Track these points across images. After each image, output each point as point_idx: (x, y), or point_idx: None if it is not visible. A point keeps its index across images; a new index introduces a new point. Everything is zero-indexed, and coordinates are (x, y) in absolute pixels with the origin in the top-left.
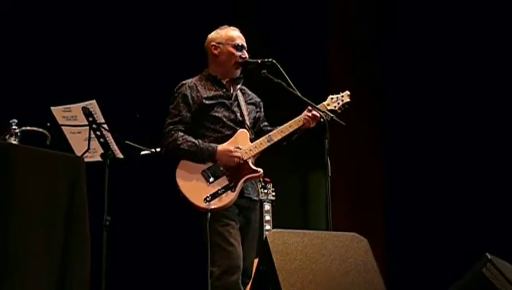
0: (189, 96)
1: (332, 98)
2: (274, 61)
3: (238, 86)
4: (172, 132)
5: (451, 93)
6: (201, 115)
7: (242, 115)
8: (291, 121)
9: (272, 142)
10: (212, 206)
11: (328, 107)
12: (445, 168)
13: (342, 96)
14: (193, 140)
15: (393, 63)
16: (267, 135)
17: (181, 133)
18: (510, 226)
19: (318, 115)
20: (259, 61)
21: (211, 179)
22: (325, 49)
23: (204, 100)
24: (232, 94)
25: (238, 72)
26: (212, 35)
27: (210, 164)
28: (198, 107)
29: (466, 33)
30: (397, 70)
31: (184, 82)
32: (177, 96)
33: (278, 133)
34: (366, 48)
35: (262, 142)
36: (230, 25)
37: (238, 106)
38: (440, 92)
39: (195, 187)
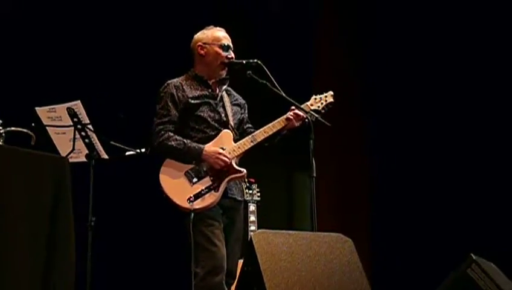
0: (176, 96)
1: (315, 98)
2: (259, 62)
3: (224, 87)
4: (163, 132)
5: (437, 95)
6: (187, 114)
7: (226, 115)
8: (275, 121)
9: (255, 143)
10: (195, 207)
11: (312, 107)
12: (430, 168)
13: (326, 96)
14: (181, 139)
15: (379, 63)
16: (250, 135)
17: (171, 133)
18: (495, 225)
19: (301, 114)
20: (244, 61)
21: (194, 180)
22: (310, 50)
23: (190, 100)
24: (218, 95)
25: (224, 72)
26: (199, 35)
27: (194, 165)
28: (183, 107)
29: (453, 35)
30: (383, 71)
31: (170, 81)
32: (163, 96)
33: (261, 134)
34: (352, 48)
35: (246, 143)
36: (215, 25)
37: (223, 106)
38: (426, 93)
39: (179, 187)
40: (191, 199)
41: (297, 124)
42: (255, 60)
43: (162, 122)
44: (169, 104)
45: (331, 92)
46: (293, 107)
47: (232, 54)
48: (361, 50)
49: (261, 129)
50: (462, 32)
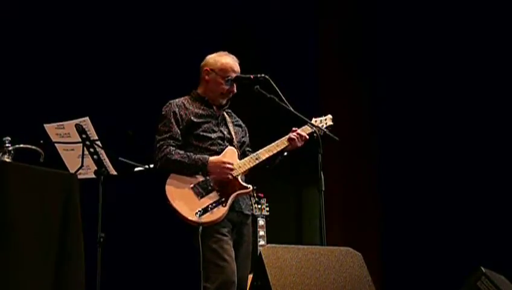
0: (178, 114)
1: (316, 120)
2: (267, 76)
3: (225, 108)
4: (164, 147)
5: (447, 108)
6: (190, 133)
7: (230, 133)
8: (278, 141)
9: (259, 161)
10: (204, 220)
11: (312, 129)
12: (440, 180)
13: (326, 119)
14: (184, 152)
15: (386, 75)
16: (254, 154)
17: (172, 148)
18: (507, 238)
19: (304, 134)
20: (252, 76)
21: (202, 194)
22: (317, 66)
23: (192, 118)
24: (219, 115)
25: (224, 101)
26: (209, 59)
27: (200, 179)
28: (186, 125)
29: (456, 44)
30: (390, 83)
31: (172, 101)
32: (165, 114)
33: (265, 152)
34: (360, 68)
35: (251, 160)
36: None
37: (226, 125)
38: (434, 107)
39: (186, 201)
40: (199, 212)
41: (299, 144)
42: (263, 75)
43: (163, 138)
44: (171, 121)
45: (330, 116)
46: (294, 128)
47: (234, 89)
48: (368, 72)
49: (265, 148)
50: (470, 44)
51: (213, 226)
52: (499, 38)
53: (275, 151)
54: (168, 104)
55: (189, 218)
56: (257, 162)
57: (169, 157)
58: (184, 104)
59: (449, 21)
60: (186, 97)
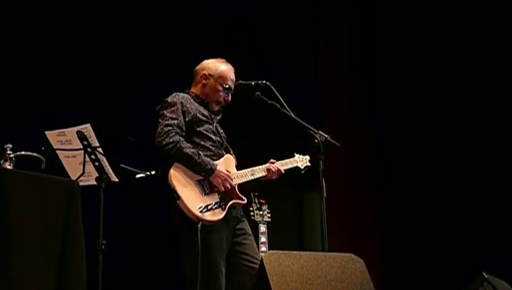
0: (185, 106)
1: (299, 156)
2: (268, 83)
3: (218, 117)
4: (173, 133)
5: (448, 109)
6: (192, 129)
7: (223, 141)
8: (262, 166)
9: (254, 177)
10: (206, 218)
11: (297, 164)
12: (442, 187)
13: (306, 158)
14: (194, 149)
15: (386, 75)
16: (250, 169)
17: (182, 138)
18: (508, 245)
19: (282, 169)
20: (252, 83)
21: (206, 191)
22: (317, 66)
23: (198, 114)
24: (214, 122)
25: (217, 108)
26: (208, 64)
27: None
28: (191, 119)
29: (457, 44)
30: (390, 84)
31: (178, 93)
32: (171, 102)
33: (260, 170)
34: (360, 68)
35: (247, 174)
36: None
37: (218, 133)
38: (435, 107)
39: (191, 193)
40: (202, 208)
41: (274, 177)
42: (264, 81)
43: (171, 124)
44: (178, 110)
45: (308, 157)
46: (272, 160)
47: (229, 97)
48: (367, 80)
49: (261, 167)
50: (469, 53)
51: (213, 237)
52: (499, 38)
53: (265, 174)
54: (174, 94)
55: (194, 212)
56: (252, 177)
57: (181, 147)
58: (189, 99)
59: (449, 21)
60: (187, 94)
